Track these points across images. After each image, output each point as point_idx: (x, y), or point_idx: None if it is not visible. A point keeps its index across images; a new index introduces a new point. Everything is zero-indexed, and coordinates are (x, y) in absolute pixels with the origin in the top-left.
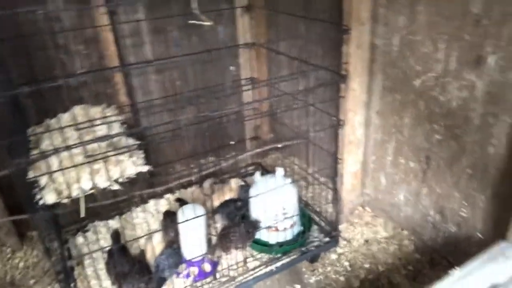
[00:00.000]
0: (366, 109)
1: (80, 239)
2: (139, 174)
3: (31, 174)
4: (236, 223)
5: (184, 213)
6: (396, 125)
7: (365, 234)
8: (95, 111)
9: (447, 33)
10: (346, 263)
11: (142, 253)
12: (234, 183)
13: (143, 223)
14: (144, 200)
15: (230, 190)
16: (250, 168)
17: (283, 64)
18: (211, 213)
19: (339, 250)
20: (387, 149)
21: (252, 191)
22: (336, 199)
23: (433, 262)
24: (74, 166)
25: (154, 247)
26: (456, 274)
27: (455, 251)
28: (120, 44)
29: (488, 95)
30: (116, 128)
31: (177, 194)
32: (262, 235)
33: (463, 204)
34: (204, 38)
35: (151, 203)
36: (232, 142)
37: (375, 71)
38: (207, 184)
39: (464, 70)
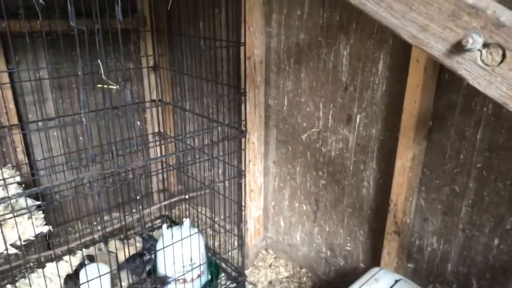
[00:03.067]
0: (264, 160)
1: None
2: (38, 235)
3: None
4: (142, 280)
5: (87, 274)
6: (290, 173)
7: (268, 276)
8: None
9: (324, 96)
10: None
11: None
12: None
13: None
14: (41, 264)
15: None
16: (158, 221)
17: (189, 119)
18: (116, 270)
19: None
20: (284, 195)
21: (159, 244)
22: (242, 245)
23: None
24: None
25: None
26: None
27: (345, 282)
28: (20, 101)
29: (358, 146)
30: (13, 189)
31: (78, 255)
32: None
33: (347, 239)
34: (111, 95)
35: (49, 266)
36: (138, 197)
37: (270, 126)
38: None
39: (339, 126)
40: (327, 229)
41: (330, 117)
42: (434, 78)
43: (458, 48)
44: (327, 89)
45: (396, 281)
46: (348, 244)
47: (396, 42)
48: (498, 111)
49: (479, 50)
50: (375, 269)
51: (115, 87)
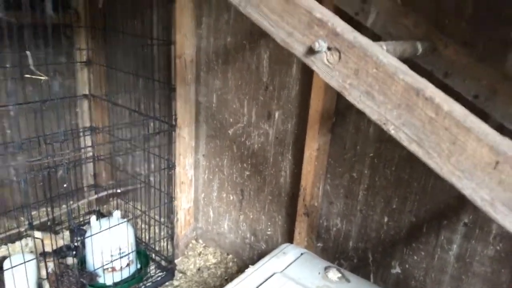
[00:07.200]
0: (195, 153)
1: None
2: None
3: None
4: (70, 269)
5: (11, 263)
6: (218, 166)
7: (197, 263)
8: None
9: (248, 94)
10: None
11: None
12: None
13: None
14: None
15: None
16: (89, 216)
17: (123, 115)
18: (42, 257)
19: (175, 282)
20: (213, 186)
21: (87, 235)
22: (172, 235)
23: None
24: None
25: None
26: (249, 270)
27: None
28: None
29: (277, 139)
30: None
31: (3, 249)
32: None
33: (268, 224)
34: (40, 89)
35: None
36: (65, 185)
37: (201, 121)
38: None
39: (260, 121)
40: (251, 216)
41: (253, 113)
42: None
43: (312, 50)
44: (250, 87)
45: (302, 254)
46: (269, 229)
47: None
48: None
49: (325, 52)
50: (285, 245)
51: (43, 78)
